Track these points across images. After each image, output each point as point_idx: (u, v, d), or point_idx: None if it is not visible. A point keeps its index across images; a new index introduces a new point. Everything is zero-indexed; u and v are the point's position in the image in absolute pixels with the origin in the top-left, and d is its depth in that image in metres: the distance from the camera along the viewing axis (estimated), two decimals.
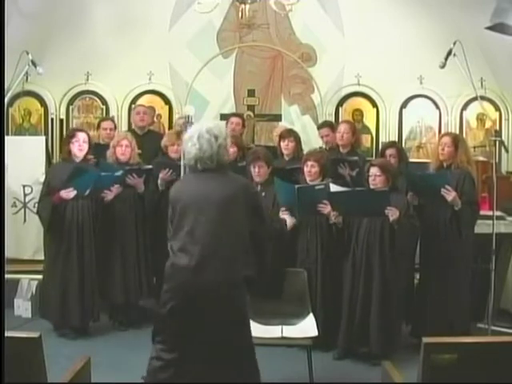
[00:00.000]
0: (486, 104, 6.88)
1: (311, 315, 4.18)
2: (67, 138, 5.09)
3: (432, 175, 4.79)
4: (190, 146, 3.21)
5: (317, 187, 4.55)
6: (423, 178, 4.74)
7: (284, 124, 6.92)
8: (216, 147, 3.19)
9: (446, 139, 4.80)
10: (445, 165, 4.78)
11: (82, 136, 4.95)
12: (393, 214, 4.30)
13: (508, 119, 7.17)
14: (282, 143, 5.40)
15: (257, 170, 4.84)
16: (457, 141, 4.78)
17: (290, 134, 5.46)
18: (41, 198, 5.00)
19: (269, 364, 4.30)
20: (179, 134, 5.05)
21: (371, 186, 4.50)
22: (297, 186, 4.49)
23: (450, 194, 4.52)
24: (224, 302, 3.14)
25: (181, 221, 3.21)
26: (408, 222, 4.39)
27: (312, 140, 6.70)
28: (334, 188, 4.54)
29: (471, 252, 4.79)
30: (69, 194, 4.79)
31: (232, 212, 3.18)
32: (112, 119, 6.53)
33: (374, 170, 4.49)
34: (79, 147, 4.93)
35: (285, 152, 5.38)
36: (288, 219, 4.48)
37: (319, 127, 5.96)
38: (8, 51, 5.17)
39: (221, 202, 3.16)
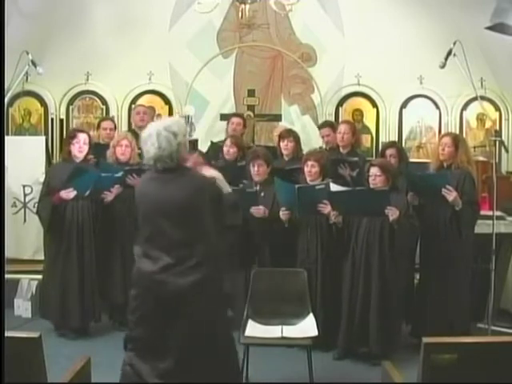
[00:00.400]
0: (486, 104, 6.89)
1: (311, 315, 4.18)
2: (68, 138, 5.08)
3: (432, 175, 4.78)
4: (150, 145, 3.10)
5: (317, 187, 4.55)
6: (424, 178, 4.73)
7: (284, 124, 6.93)
8: (175, 145, 3.09)
9: (447, 139, 4.79)
10: (445, 165, 4.78)
11: (82, 137, 4.94)
12: (393, 213, 4.29)
13: (508, 119, 7.17)
14: (281, 143, 5.39)
15: (256, 168, 4.84)
16: (457, 141, 4.78)
17: (289, 134, 5.45)
18: (40, 198, 4.99)
19: (269, 364, 4.32)
20: None
21: (371, 186, 4.49)
22: (297, 186, 4.49)
23: (450, 195, 4.51)
24: (191, 305, 3.06)
25: (144, 224, 3.16)
26: (408, 222, 4.39)
27: (312, 140, 6.70)
28: (334, 187, 4.53)
29: (471, 252, 4.79)
30: (69, 194, 4.78)
31: (195, 213, 3.11)
32: (112, 119, 6.52)
33: (374, 170, 4.49)
34: (79, 148, 4.92)
35: (284, 152, 5.37)
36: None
37: (320, 127, 5.95)
38: (8, 51, 5.16)
39: (182, 204, 3.08)
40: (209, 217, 3.15)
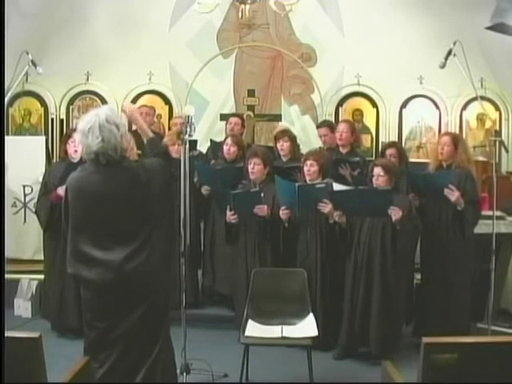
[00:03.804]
0: (486, 104, 6.89)
1: (311, 315, 4.18)
2: (64, 138, 5.08)
3: (435, 175, 4.76)
4: (92, 138, 2.93)
5: (317, 186, 4.55)
6: (426, 178, 4.71)
7: (284, 124, 6.93)
8: (119, 137, 2.97)
9: (446, 139, 4.79)
10: (444, 164, 4.77)
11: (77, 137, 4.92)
12: (396, 213, 4.27)
13: (508, 119, 7.17)
14: (277, 144, 5.38)
15: (251, 166, 4.82)
16: (456, 140, 4.77)
17: (283, 134, 5.44)
18: (39, 197, 5.00)
19: (269, 364, 4.32)
20: (179, 134, 5.05)
21: (374, 186, 4.48)
22: (297, 184, 4.50)
23: (453, 195, 4.50)
24: (140, 296, 3.02)
25: (85, 221, 3.00)
26: (410, 223, 4.38)
27: (312, 140, 6.70)
28: (336, 187, 4.52)
29: (472, 252, 4.79)
30: None
31: (145, 204, 3.02)
32: None
33: (377, 170, 4.48)
34: (74, 148, 4.89)
35: (281, 153, 5.36)
36: None
37: (318, 126, 5.95)
38: (8, 51, 5.17)
39: (132, 197, 2.99)
40: (160, 200, 3.08)
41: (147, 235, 3.03)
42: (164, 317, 3.17)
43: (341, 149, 5.49)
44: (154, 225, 3.07)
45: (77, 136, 3.09)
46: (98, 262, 2.99)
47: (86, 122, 2.99)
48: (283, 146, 5.33)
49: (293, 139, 5.41)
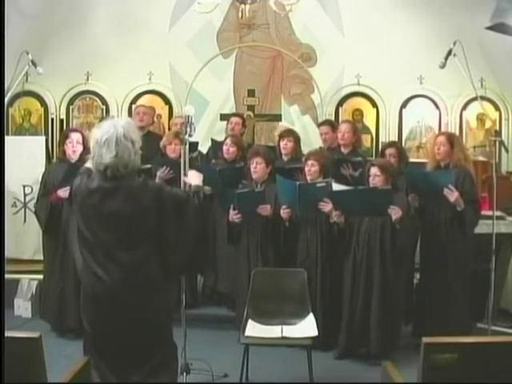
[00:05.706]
0: (486, 104, 6.88)
1: (311, 315, 4.19)
2: (62, 138, 5.09)
3: (435, 175, 4.74)
4: (106, 151, 2.87)
5: (318, 185, 4.56)
6: (426, 177, 4.71)
7: (284, 124, 6.93)
8: (133, 154, 2.91)
9: (441, 138, 4.79)
10: (442, 164, 4.77)
11: (75, 137, 4.91)
12: (396, 212, 4.27)
13: (508, 119, 7.17)
14: (281, 142, 5.40)
15: (254, 165, 4.82)
16: (452, 139, 4.77)
17: (289, 133, 5.47)
18: (38, 197, 5.00)
19: (269, 364, 4.32)
20: (177, 134, 5.06)
21: (371, 186, 4.49)
22: (298, 183, 4.50)
23: (452, 195, 4.50)
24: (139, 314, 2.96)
25: (85, 232, 2.95)
26: (409, 223, 4.38)
27: (312, 140, 6.70)
28: (336, 187, 4.53)
29: (471, 252, 4.79)
30: (66, 192, 4.78)
31: (143, 221, 2.92)
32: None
33: (374, 170, 4.48)
34: (73, 148, 4.89)
35: (283, 152, 5.37)
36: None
37: (320, 124, 5.95)
38: (8, 51, 5.17)
39: (132, 214, 2.89)
40: (160, 221, 2.95)
41: (144, 254, 2.96)
42: (165, 327, 3.13)
43: (342, 149, 5.49)
44: (152, 243, 2.98)
45: (90, 144, 3.00)
46: (95, 274, 2.96)
47: (103, 132, 2.92)
48: (287, 144, 5.35)
49: (297, 140, 5.43)
